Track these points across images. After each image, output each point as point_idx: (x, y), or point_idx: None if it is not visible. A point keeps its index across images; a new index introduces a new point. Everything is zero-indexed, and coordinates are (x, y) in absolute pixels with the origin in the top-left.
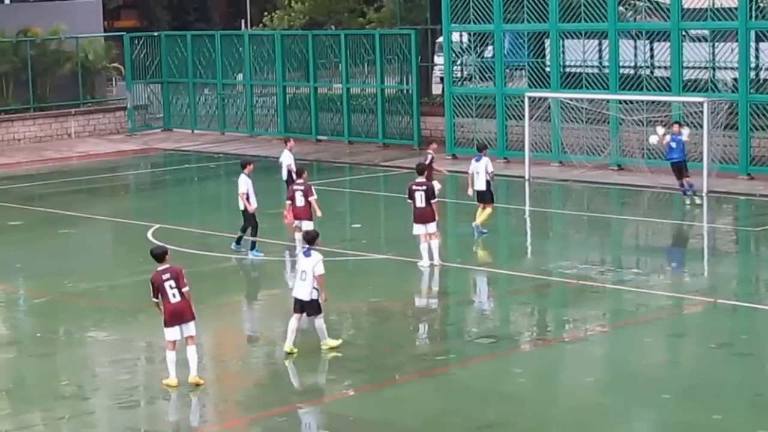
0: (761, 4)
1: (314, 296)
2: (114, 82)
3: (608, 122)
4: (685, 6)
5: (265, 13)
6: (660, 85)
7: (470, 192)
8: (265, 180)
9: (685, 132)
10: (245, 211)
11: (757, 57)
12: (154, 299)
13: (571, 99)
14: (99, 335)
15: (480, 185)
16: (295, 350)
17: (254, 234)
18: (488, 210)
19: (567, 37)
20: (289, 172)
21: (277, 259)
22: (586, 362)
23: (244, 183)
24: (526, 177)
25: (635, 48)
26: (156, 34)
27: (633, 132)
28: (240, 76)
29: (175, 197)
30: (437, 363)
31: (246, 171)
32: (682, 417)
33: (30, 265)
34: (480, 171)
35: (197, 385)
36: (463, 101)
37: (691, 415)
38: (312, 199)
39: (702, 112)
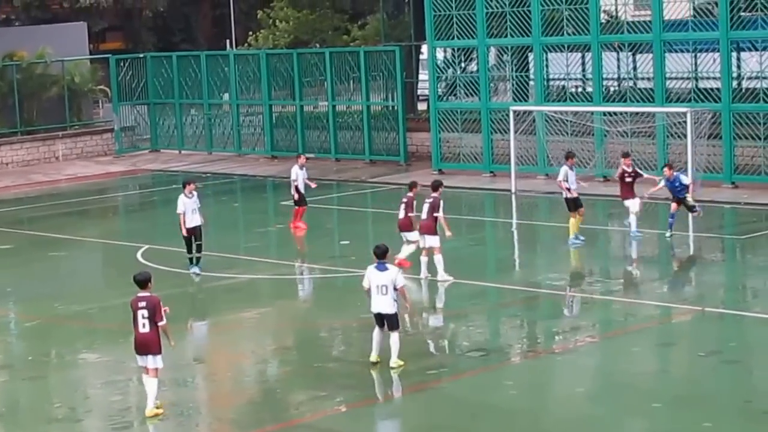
0: (742, 15)
1: (395, 309)
2: (101, 105)
3: (593, 134)
4: (667, 17)
5: (250, 33)
6: (643, 96)
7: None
8: (254, 199)
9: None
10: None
11: (738, 67)
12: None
13: (555, 112)
14: (90, 357)
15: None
16: (379, 360)
17: (198, 251)
18: (572, 219)
19: (550, 51)
20: (297, 189)
21: (266, 278)
22: (577, 373)
23: (182, 204)
24: (513, 190)
25: (618, 60)
26: (141, 55)
27: (618, 143)
28: (226, 96)
29: (164, 218)
30: (429, 377)
31: (186, 191)
32: (673, 425)
33: (20, 289)
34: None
35: (155, 415)
36: (449, 116)
37: (682, 423)
38: (440, 216)
39: (685, 122)
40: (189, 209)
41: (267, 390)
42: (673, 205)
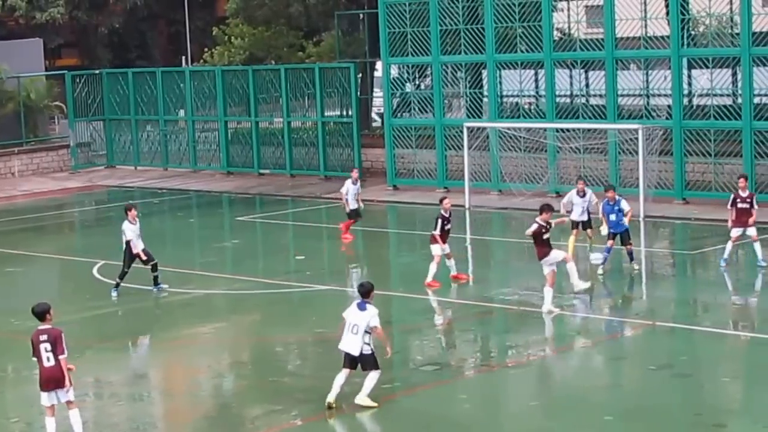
0: (692, 32)
1: (366, 351)
2: (56, 121)
3: (546, 150)
4: (619, 35)
5: (206, 50)
6: (596, 113)
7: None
8: (210, 215)
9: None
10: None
11: (689, 84)
12: (33, 358)
13: (509, 128)
14: None
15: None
16: (334, 405)
17: (154, 270)
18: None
19: (504, 68)
20: (347, 202)
21: (222, 293)
22: (530, 387)
23: (129, 231)
24: (467, 206)
25: (571, 77)
26: (97, 71)
27: (570, 159)
28: (182, 112)
29: (120, 234)
30: (383, 391)
31: (129, 216)
32: None
33: None
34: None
35: None
36: (403, 132)
37: None
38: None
39: (637, 138)
40: (135, 235)
41: (223, 404)
42: (611, 241)
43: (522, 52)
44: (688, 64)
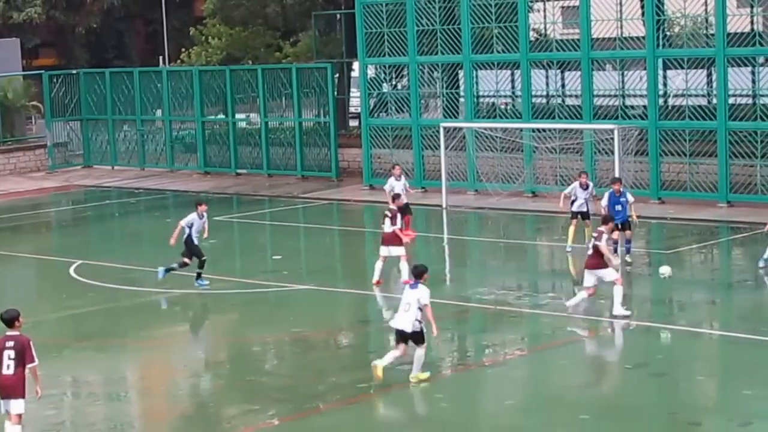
0: (668, 33)
1: (416, 328)
2: (33, 121)
3: (522, 150)
4: (595, 36)
5: (183, 50)
6: (571, 113)
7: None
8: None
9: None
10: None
11: (665, 84)
12: None
13: (485, 128)
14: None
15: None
16: (381, 373)
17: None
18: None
19: (480, 68)
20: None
21: (199, 292)
22: (506, 386)
23: (194, 223)
24: (444, 205)
25: (547, 77)
26: (75, 71)
27: (546, 159)
28: (159, 112)
29: (97, 233)
30: (359, 390)
31: (199, 210)
32: None
33: None
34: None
35: None
36: (380, 132)
37: None
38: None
39: (613, 138)
40: (196, 230)
41: (200, 404)
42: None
43: (498, 52)
44: (663, 65)
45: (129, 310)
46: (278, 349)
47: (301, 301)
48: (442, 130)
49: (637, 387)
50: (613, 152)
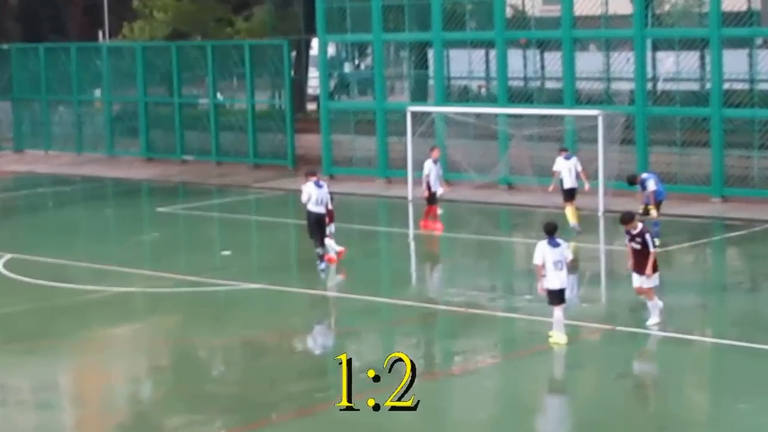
0: (657, 11)
1: (565, 285)
2: None
3: (497, 138)
4: (578, 13)
5: (125, 23)
6: (551, 97)
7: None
8: (128, 205)
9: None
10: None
11: (654, 67)
12: None
13: (456, 113)
14: None
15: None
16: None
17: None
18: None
19: (452, 47)
20: (429, 185)
21: (140, 291)
22: (477, 397)
23: (314, 194)
24: (410, 198)
25: (525, 58)
26: (5, 47)
27: (523, 148)
28: (98, 92)
29: (29, 225)
30: (316, 400)
31: (312, 179)
32: None
33: None
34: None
35: None
36: (341, 117)
37: None
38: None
39: (596, 126)
40: (314, 200)
41: (139, 413)
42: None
43: (471, 30)
44: (652, 46)
45: (63, 309)
46: (226, 354)
47: (252, 302)
48: (409, 115)
49: (622, 398)
50: (596, 141)
